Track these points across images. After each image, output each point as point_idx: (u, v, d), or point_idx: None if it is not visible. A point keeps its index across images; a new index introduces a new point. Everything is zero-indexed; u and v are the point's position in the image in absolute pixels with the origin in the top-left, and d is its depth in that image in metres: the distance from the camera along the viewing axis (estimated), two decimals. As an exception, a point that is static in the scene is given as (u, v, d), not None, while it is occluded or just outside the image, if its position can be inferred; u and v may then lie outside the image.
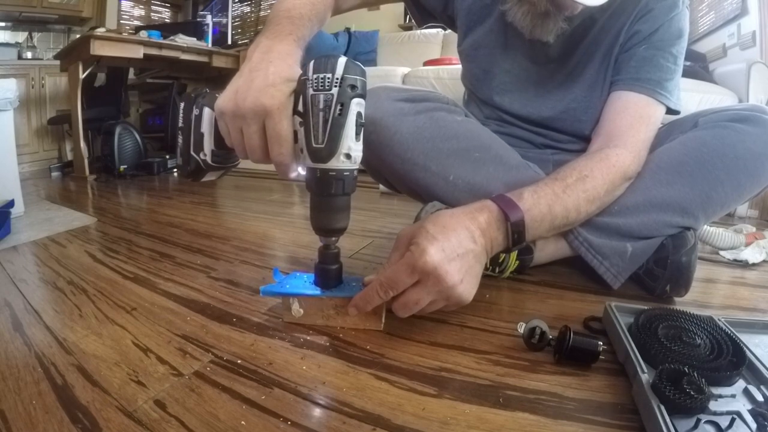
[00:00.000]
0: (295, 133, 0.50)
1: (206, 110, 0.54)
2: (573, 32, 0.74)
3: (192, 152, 0.55)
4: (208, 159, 0.55)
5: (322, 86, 0.47)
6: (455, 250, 0.49)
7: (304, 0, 0.63)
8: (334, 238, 0.55)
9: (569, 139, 0.82)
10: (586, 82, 0.76)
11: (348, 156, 0.49)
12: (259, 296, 0.70)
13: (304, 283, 0.60)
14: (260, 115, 0.49)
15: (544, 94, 0.79)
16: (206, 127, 0.54)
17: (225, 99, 0.50)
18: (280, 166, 0.51)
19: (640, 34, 0.71)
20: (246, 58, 0.54)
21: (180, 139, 0.57)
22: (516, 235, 0.56)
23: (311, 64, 0.48)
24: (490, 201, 0.57)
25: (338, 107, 0.47)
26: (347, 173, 0.50)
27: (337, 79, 0.47)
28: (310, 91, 0.47)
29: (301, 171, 0.52)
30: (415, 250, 0.49)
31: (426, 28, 3.02)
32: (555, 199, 0.59)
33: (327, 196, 0.51)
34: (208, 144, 0.55)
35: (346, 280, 0.59)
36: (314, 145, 0.48)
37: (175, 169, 2.56)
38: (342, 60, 0.47)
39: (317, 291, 0.58)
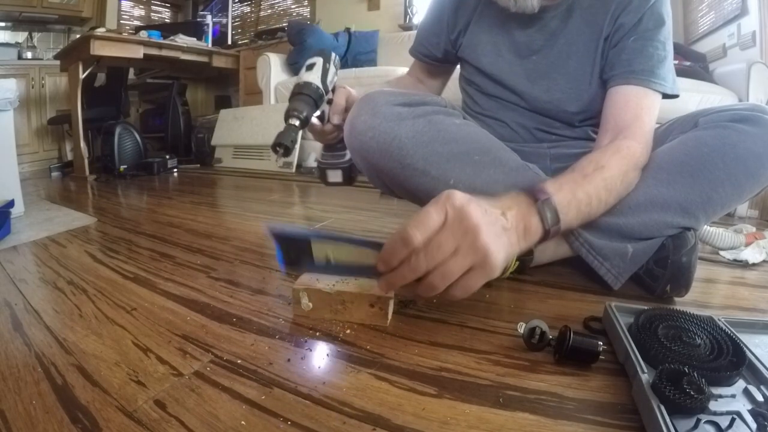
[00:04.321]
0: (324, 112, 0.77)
1: None
2: (551, 24, 0.76)
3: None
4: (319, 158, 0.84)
5: None
6: (490, 214, 0.47)
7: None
8: (296, 121, 0.65)
9: (561, 124, 0.83)
10: (570, 74, 0.78)
11: (298, 78, 0.71)
12: (259, 296, 0.70)
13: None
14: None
15: (528, 84, 0.81)
16: None
17: None
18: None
19: (625, 26, 0.72)
20: None
21: None
22: (550, 214, 0.53)
23: None
24: (514, 191, 0.55)
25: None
26: (295, 84, 0.70)
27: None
28: None
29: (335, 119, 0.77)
30: (460, 209, 0.46)
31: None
32: (576, 186, 0.59)
33: (290, 99, 0.69)
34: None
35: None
36: None
37: (175, 170, 2.58)
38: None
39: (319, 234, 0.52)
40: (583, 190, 0.59)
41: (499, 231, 0.48)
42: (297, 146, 2.29)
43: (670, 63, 0.72)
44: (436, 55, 0.92)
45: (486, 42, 0.83)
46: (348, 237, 0.53)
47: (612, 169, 0.62)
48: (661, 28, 0.71)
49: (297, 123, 0.65)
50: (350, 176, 0.83)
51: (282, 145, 0.61)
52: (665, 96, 0.72)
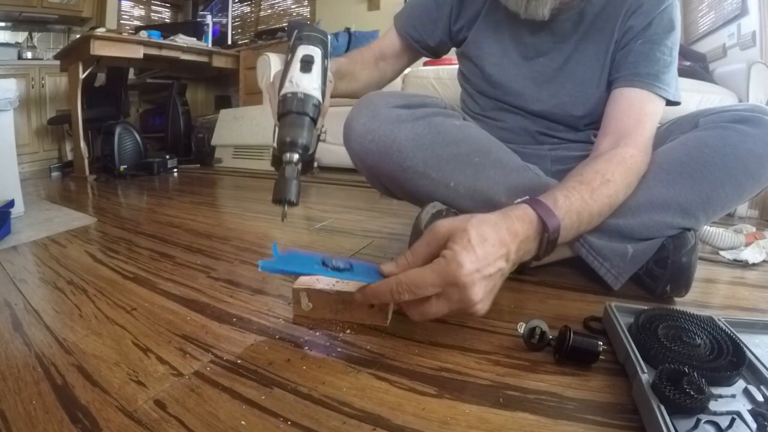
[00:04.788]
0: None
1: None
2: (562, 27, 0.75)
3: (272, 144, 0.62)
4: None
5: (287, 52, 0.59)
6: (488, 269, 0.47)
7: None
8: (295, 156, 0.53)
9: (564, 128, 0.82)
10: (578, 78, 0.77)
11: (290, 82, 0.54)
12: (259, 296, 0.70)
13: (309, 263, 0.55)
14: (271, 88, 0.60)
15: (534, 87, 0.80)
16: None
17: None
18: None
19: (634, 29, 0.72)
20: None
21: None
22: (550, 246, 0.55)
23: None
24: (530, 208, 0.54)
25: (289, 54, 0.57)
26: (290, 95, 0.54)
27: (291, 42, 0.58)
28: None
29: None
30: (451, 259, 0.46)
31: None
32: (584, 206, 0.58)
33: (280, 117, 0.55)
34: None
35: (358, 265, 0.55)
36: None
37: (175, 170, 2.58)
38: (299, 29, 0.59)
39: (322, 270, 0.53)
40: (588, 211, 0.59)
41: (495, 286, 0.50)
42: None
43: (674, 69, 0.72)
44: (428, 44, 0.88)
45: (492, 42, 0.81)
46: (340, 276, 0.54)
47: (617, 184, 0.62)
48: (670, 34, 0.71)
49: (296, 158, 0.53)
50: (308, 168, 0.74)
51: (286, 201, 0.52)
52: (667, 103, 0.71)
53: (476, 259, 0.46)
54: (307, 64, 0.55)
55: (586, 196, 0.59)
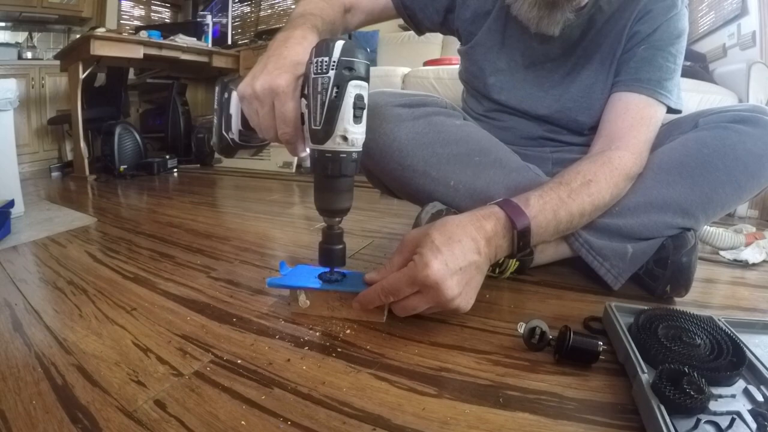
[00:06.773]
0: (303, 114, 0.51)
1: (234, 94, 0.57)
2: (571, 33, 0.74)
3: (223, 131, 0.59)
4: (236, 138, 0.59)
5: (320, 70, 0.47)
6: (458, 263, 0.50)
7: (314, 5, 0.71)
8: (336, 219, 0.56)
9: (568, 132, 0.82)
10: (584, 83, 0.76)
11: (344, 138, 0.48)
12: (259, 296, 0.70)
13: (309, 276, 0.62)
14: (270, 96, 0.51)
15: (540, 93, 0.79)
16: (234, 109, 0.57)
17: (244, 83, 0.53)
18: (287, 144, 0.54)
19: (640, 34, 0.71)
20: (267, 50, 0.57)
21: (215, 119, 0.61)
22: (522, 242, 0.56)
23: (314, 48, 0.49)
24: (497, 207, 0.56)
25: (334, 90, 0.47)
26: (344, 155, 0.49)
27: (334, 62, 0.46)
28: (312, 75, 0.48)
29: (308, 151, 0.53)
30: (419, 261, 0.50)
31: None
32: (560, 204, 0.59)
33: (326, 178, 0.51)
34: (235, 124, 0.58)
35: (350, 275, 0.62)
36: (313, 126, 0.49)
37: (175, 170, 2.58)
38: (340, 43, 0.47)
39: (318, 283, 0.60)
40: (566, 209, 0.59)
41: (473, 279, 0.53)
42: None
43: (677, 77, 0.72)
44: (417, 15, 0.82)
45: (499, 47, 0.80)
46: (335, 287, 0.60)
47: (600, 183, 0.62)
48: (676, 41, 0.70)
49: (338, 220, 0.56)
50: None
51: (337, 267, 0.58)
52: (668, 110, 0.71)
53: (443, 258, 0.49)
54: (360, 111, 0.48)
55: (563, 196, 0.59)
